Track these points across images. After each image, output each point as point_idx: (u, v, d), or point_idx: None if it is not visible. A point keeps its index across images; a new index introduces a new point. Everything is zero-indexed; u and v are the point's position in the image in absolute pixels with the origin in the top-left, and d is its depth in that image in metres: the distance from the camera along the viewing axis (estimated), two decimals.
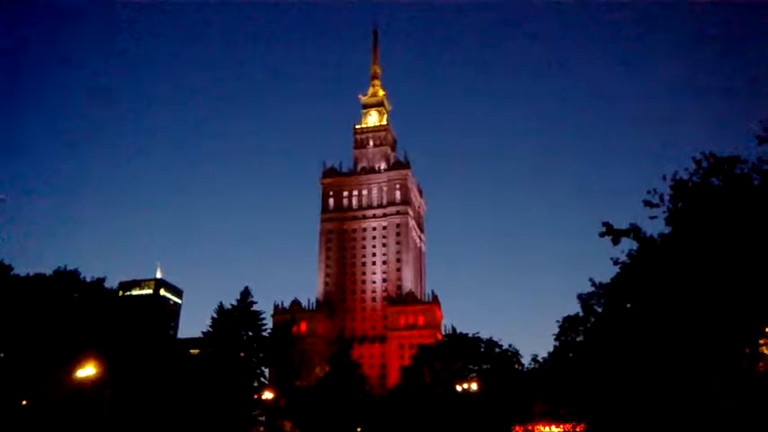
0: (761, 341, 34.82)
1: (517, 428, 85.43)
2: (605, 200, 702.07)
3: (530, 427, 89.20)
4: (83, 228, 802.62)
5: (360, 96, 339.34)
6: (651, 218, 39.62)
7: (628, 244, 41.37)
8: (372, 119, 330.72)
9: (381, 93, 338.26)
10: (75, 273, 71.89)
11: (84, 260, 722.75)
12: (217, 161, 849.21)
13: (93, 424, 58.41)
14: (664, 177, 39.26)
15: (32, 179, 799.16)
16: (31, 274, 70.97)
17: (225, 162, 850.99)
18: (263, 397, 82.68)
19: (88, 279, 72.69)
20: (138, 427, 64.23)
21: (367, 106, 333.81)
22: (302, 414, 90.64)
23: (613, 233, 40.19)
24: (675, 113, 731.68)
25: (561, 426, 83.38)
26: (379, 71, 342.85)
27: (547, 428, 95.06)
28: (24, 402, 61.39)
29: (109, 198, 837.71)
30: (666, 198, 39.01)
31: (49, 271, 71.38)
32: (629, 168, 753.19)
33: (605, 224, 40.26)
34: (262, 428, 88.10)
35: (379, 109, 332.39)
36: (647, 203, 39.30)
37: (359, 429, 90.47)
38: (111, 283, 79.03)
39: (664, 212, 39.35)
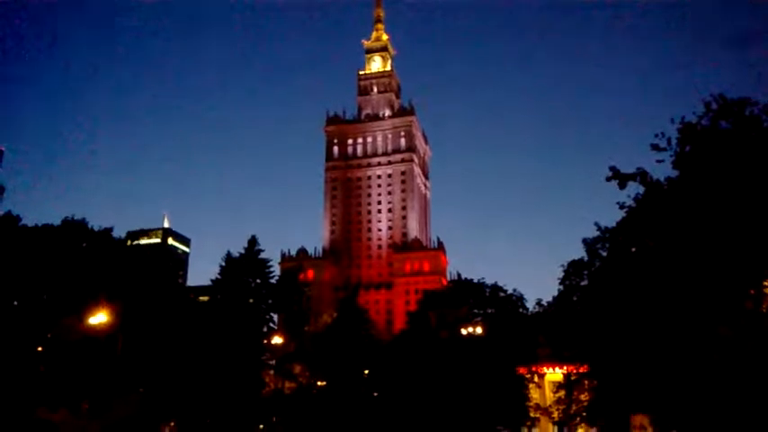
0: (765, 282, 35.00)
1: (521, 370, 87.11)
2: (612, 145, 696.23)
3: (534, 369, 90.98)
4: (89, 178, 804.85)
5: (363, 41, 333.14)
6: (658, 161, 39.24)
7: (634, 188, 41.14)
8: (376, 64, 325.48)
9: (385, 37, 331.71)
10: (83, 222, 72.29)
11: (91, 210, 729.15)
12: (221, 110, 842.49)
13: (106, 368, 59.91)
14: (672, 120, 38.66)
15: (38, 131, 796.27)
16: (39, 224, 71.45)
17: (230, 111, 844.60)
18: (273, 342, 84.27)
19: (96, 229, 73.14)
20: (150, 370, 65.85)
21: (370, 51, 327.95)
22: (311, 358, 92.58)
23: (620, 177, 39.86)
24: (685, 61, 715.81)
25: (565, 367, 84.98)
26: (382, 14, 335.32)
27: (550, 370, 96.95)
28: (40, 349, 62.90)
29: (115, 149, 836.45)
30: (674, 141, 38.52)
31: (56, 221, 71.86)
32: (637, 114, 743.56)
33: (612, 168, 39.93)
34: (272, 372, 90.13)
35: (383, 54, 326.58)
36: (655, 147, 38.84)
37: (366, 372, 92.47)
38: (119, 232, 79.40)
39: (671, 156, 38.91)
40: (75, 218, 72.41)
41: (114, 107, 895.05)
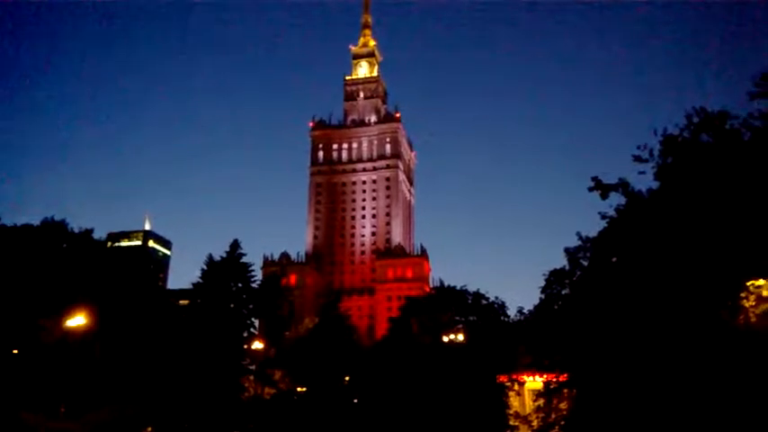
0: (742, 294, 35.49)
1: (502, 378, 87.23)
2: (595, 156, 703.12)
3: (514, 377, 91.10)
4: (70, 179, 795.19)
5: (350, 47, 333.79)
6: (640, 173, 39.86)
7: (616, 199, 41.64)
8: (363, 70, 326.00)
9: (372, 43, 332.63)
10: (63, 223, 71.47)
11: (71, 211, 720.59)
12: (205, 111, 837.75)
13: (84, 371, 59.11)
14: (654, 132, 39.28)
15: (16, 130, 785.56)
16: (19, 224, 70.50)
17: (215, 114, 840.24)
18: (253, 347, 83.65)
19: (76, 230, 72.33)
20: (129, 374, 65.07)
21: (357, 57, 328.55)
22: (292, 363, 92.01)
23: (602, 187, 40.41)
24: (668, 73, 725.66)
25: (545, 375, 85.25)
26: (370, 20, 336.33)
27: (531, 378, 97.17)
28: (16, 351, 61.89)
29: (97, 150, 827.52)
30: (656, 153, 39.10)
31: (36, 221, 70.94)
32: (618, 125, 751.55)
33: (594, 179, 40.47)
34: (252, 377, 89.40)
35: (370, 60, 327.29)
36: (637, 158, 39.43)
37: (347, 378, 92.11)
38: (100, 234, 78.58)
39: (653, 168, 39.52)
40: (56, 219, 71.65)
41: (96, 107, 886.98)
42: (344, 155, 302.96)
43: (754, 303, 35.09)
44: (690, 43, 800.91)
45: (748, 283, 35.32)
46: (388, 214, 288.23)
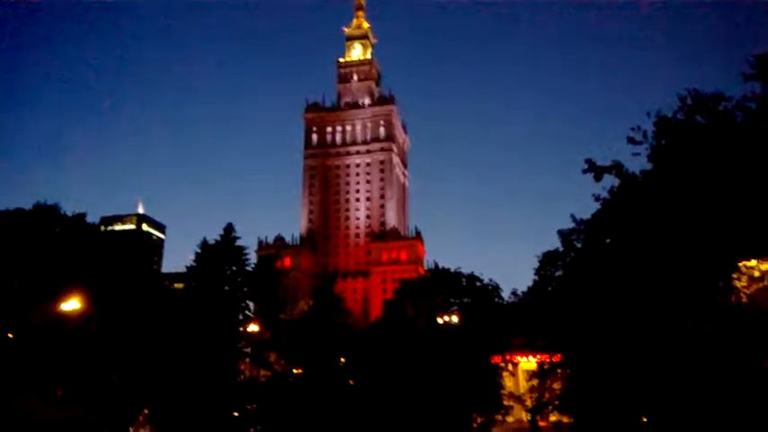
0: (734, 275, 35.77)
1: (496, 359, 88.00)
2: (590, 139, 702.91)
3: (508, 358, 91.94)
4: (63, 163, 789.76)
5: (343, 28, 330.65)
6: (634, 155, 39.88)
7: (610, 181, 41.72)
8: (356, 52, 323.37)
9: (366, 25, 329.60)
10: (56, 207, 71.05)
11: (64, 195, 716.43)
12: (198, 97, 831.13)
13: (79, 355, 59.20)
14: (648, 114, 39.23)
15: (12, 116, 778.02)
16: (11, 208, 70.10)
17: (207, 98, 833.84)
18: (249, 330, 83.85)
19: (69, 214, 71.96)
20: (124, 358, 65.25)
21: (351, 38, 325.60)
22: (287, 346, 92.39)
23: (596, 169, 40.45)
24: (661, 53, 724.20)
25: (538, 356, 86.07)
26: (363, 2, 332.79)
27: (524, 359, 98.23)
28: (11, 335, 61.87)
29: (90, 134, 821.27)
30: (650, 135, 39.10)
31: (28, 206, 70.52)
32: (613, 106, 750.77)
33: (588, 161, 40.51)
34: (247, 360, 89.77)
35: (364, 42, 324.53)
36: (630, 140, 39.43)
37: (342, 360, 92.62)
38: (93, 218, 78.18)
39: (646, 149, 39.54)
40: (48, 203, 71.25)
41: (89, 92, 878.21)
42: (338, 138, 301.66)
43: (746, 284, 35.40)
44: (683, 25, 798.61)
45: (740, 264, 35.60)
46: (382, 197, 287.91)
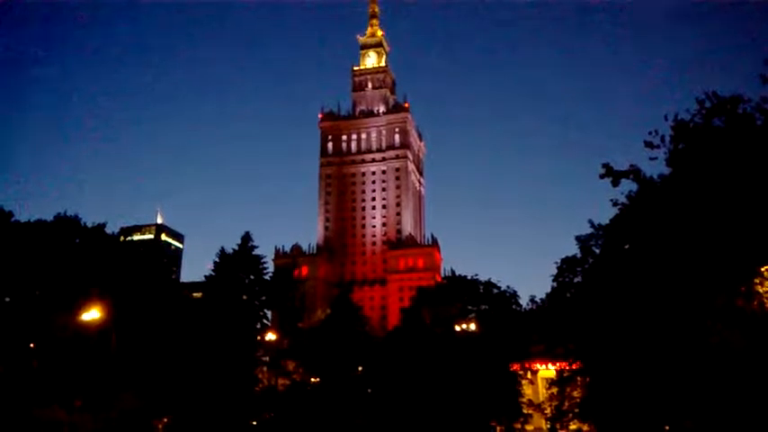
0: (756, 280, 35.18)
1: (515, 366, 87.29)
2: (606, 144, 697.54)
3: (527, 365, 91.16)
4: (83, 174, 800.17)
5: (358, 37, 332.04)
6: (651, 159, 39.36)
7: (627, 186, 41.27)
8: (371, 60, 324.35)
9: (380, 33, 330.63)
10: (76, 218, 72.00)
11: (84, 207, 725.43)
12: (216, 106, 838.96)
13: (99, 364, 59.69)
14: (665, 118, 38.75)
15: (29, 126, 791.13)
16: (32, 220, 71.12)
17: (224, 107, 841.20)
18: (267, 338, 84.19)
19: (89, 225, 72.82)
20: (144, 367, 65.67)
21: (365, 47, 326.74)
22: (305, 354, 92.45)
23: (613, 174, 39.98)
24: (678, 54, 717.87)
25: (557, 364, 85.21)
26: (377, 10, 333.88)
27: (543, 366, 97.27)
28: (32, 345, 62.63)
29: (108, 145, 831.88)
30: (667, 139, 38.61)
31: (49, 217, 71.50)
32: (631, 111, 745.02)
33: (605, 165, 40.02)
34: (266, 368, 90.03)
35: (378, 50, 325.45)
36: (648, 144, 38.93)
37: (360, 368, 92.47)
38: (112, 228, 79.05)
39: (664, 154, 39.05)
40: (68, 214, 72.19)
41: (108, 102, 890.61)
42: (354, 146, 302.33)
43: None
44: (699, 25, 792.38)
45: (762, 269, 35.03)
46: (398, 204, 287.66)
